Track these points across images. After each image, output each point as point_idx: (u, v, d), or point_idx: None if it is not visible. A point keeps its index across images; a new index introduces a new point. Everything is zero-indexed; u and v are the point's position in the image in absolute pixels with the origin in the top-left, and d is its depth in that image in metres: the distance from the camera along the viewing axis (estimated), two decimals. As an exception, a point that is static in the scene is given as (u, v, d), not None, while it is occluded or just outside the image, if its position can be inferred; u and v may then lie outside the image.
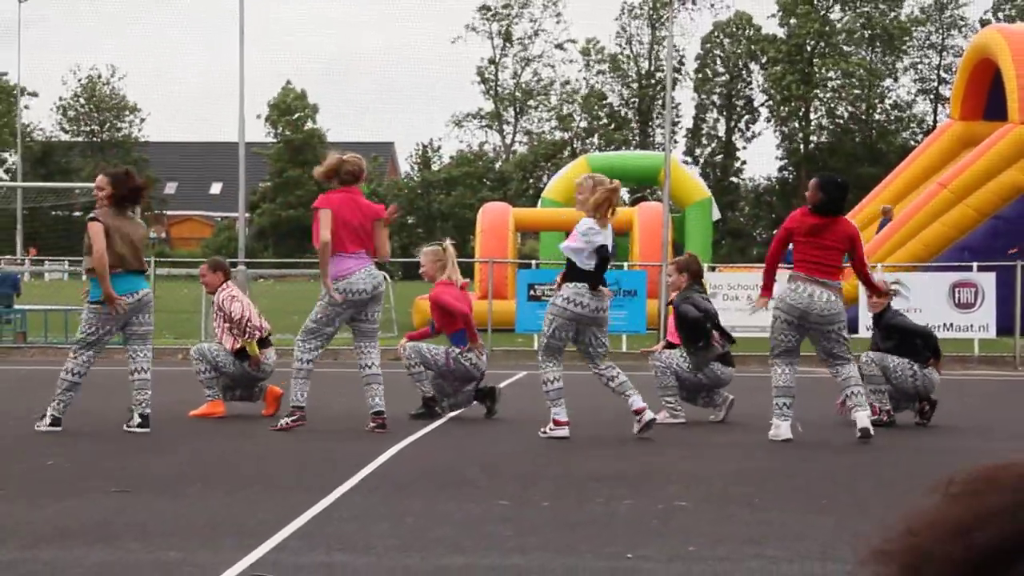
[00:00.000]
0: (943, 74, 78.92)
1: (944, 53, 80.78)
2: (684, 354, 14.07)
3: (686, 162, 62.67)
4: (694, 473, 10.40)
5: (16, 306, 27.33)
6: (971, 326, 22.70)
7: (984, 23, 72.80)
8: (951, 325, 22.85)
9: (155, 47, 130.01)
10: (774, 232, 74.64)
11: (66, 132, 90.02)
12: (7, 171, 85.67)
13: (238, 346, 14.41)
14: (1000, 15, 74.09)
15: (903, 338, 13.81)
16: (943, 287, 22.97)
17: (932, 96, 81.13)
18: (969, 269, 23.28)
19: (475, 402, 14.26)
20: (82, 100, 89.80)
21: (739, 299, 22.54)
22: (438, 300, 14.37)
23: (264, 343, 14.69)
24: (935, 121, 74.31)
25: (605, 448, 11.79)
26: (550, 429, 12.44)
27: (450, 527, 8.12)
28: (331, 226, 12.41)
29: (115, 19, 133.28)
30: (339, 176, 12.84)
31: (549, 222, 32.57)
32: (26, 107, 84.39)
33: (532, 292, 23.32)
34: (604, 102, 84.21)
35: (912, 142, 68.77)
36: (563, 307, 12.52)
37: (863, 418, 12.15)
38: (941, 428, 13.25)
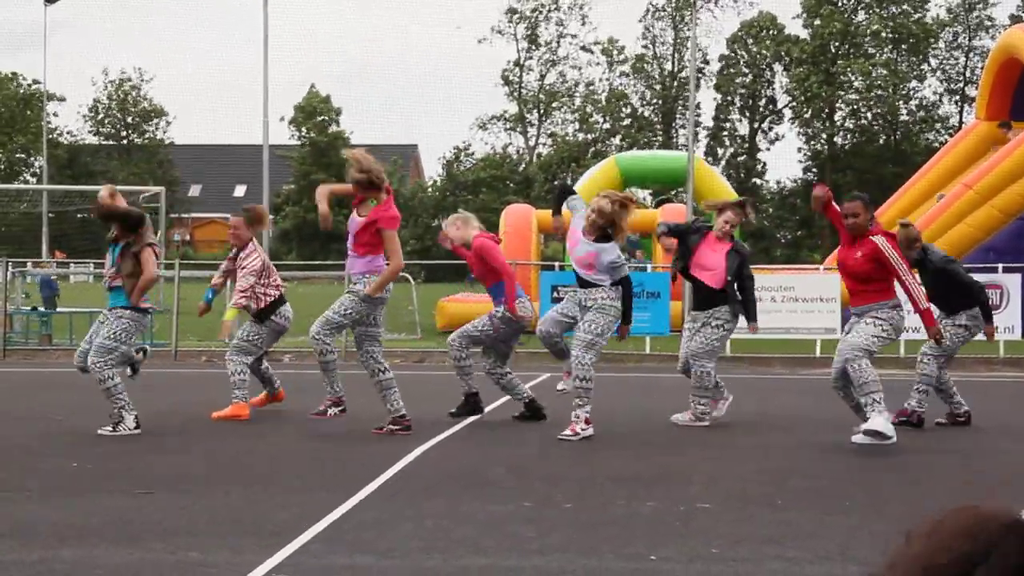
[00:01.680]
0: (969, 74, 78.62)
1: (971, 54, 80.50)
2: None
3: (708, 162, 62.47)
4: (714, 474, 10.40)
5: (40, 309, 27.44)
6: (996, 328, 22.60)
7: (1015, 19, 72.51)
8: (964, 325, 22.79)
9: (181, 51, 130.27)
10: (799, 232, 74.65)
11: (94, 135, 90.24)
12: (33, 174, 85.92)
13: (262, 306, 14.49)
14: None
15: (949, 288, 13.77)
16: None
17: (958, 97, 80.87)
18: (995, 271, 23.21)
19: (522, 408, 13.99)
20: (110, 103, 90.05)
21: (763, 300, 22.46)
22: (484, 249, 13.90)
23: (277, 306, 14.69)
24: (961, 121, 74.09)
25: (626, 449, 11.79)
26: (581, 430, 12.42)
27: (472, 528, 8.13)
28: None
29: (141, 23, 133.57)
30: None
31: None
32: (54, 114, 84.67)
33: (555, 294, 23.29)
34: (625, 102, 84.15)
35: (937, 143, 68.59)
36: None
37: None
38: (963, 429, 13.23)
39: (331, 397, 13.89)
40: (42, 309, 27.23)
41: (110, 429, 12.64)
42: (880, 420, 11.56)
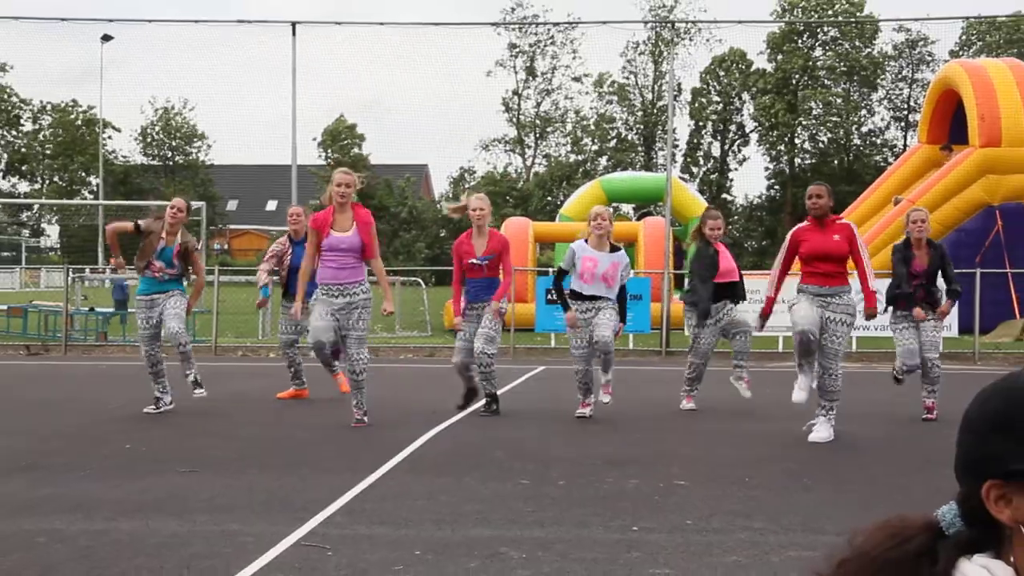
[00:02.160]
0: (912, 103, 78.70)
1: (914, 85, 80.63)
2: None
3: (684, 179, 62.28)
4: (692, 456, 10.40)
5: (97, 309, 27.48)
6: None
7: (953, 55, 72.63)
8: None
9: (219, 81, 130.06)
10: (764, 242, 74.49)
11: (143, 156, 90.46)
12: (90, 192, 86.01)
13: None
14: (963, 53, 73.80)
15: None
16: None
17: (903, 123, 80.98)
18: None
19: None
20: (157, 129, 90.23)
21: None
22: (506, 246, 13.17)
23: None
24: (905, 145, 74.11)
25: (613, 434, 11.79)
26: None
27: (477, 503, 8.15)
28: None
29: (186, 57, 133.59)
30: None
31: (565, 235, 32.52)
32: (109, 137, 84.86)
33: (549, 296, 23.28)
34: (612, 125, 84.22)
35: (885, 163, 68.56)
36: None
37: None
38: (913, 417, 13.20)
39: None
40: (99, 309, 27.24)
41: (203, 390, 13.39)
42: None
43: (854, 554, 1.72)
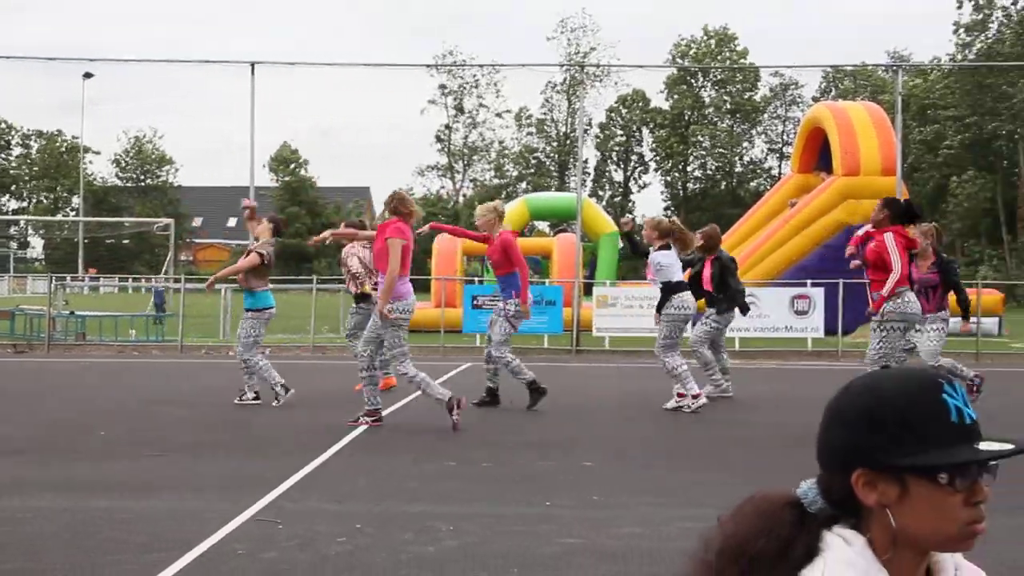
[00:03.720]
0: (786, 138, 79.63)
1: (787, 122, 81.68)
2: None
3: (593, 201, 62.25)
4: (601, 440, 10.43)
5: (77, 312, 27.19)
6: (806, 328, 23.02)
7: (816, 99, 73.68)
8: (791, 327, 23.25)
9: (186, 113, 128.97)
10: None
11: (118, 179, 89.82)
12: (72, 209, 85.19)
13: (359, 291, 14.38)
14: (827, 96, 74.87)
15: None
16: (785, 298, 23.32)
17: (778, 154, 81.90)
18: (805, 285, 23.55)
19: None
20: (131, 154, 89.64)
21: (632, 307, 22.70)
22: (509, 244, 12.65)
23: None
24: (780, 173, 74.95)
25: (532, 422, 11.80)
26: (692, 400, 12.40)
27: (412, 481, 8.13)
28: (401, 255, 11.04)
29: (156, 91, 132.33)
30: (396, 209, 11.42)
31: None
32: (90, 161, 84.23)
33: (475, 302, 23.29)
34: (531, 154, 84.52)
35: (763, 189, 69.28)
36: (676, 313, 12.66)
37: None
38: (793, 407, 13.31)
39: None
40: (79, 313, 26.92)
41: (283, 395, 12.93)
42: None
43: (729, 543, 1.72)
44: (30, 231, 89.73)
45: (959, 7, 62.64)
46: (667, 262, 12.69)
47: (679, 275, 12.84)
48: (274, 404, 12.77)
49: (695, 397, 12.39)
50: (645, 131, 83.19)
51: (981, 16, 62.39)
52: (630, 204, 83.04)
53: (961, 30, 62.90)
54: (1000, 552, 5.61)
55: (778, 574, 1.66)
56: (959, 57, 62.77)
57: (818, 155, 31.71)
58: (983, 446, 1.61)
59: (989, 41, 61.50)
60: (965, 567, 1.75)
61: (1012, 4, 61.81)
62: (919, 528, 1.64)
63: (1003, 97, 58.67)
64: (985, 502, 1.62)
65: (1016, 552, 5.98)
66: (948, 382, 1.64)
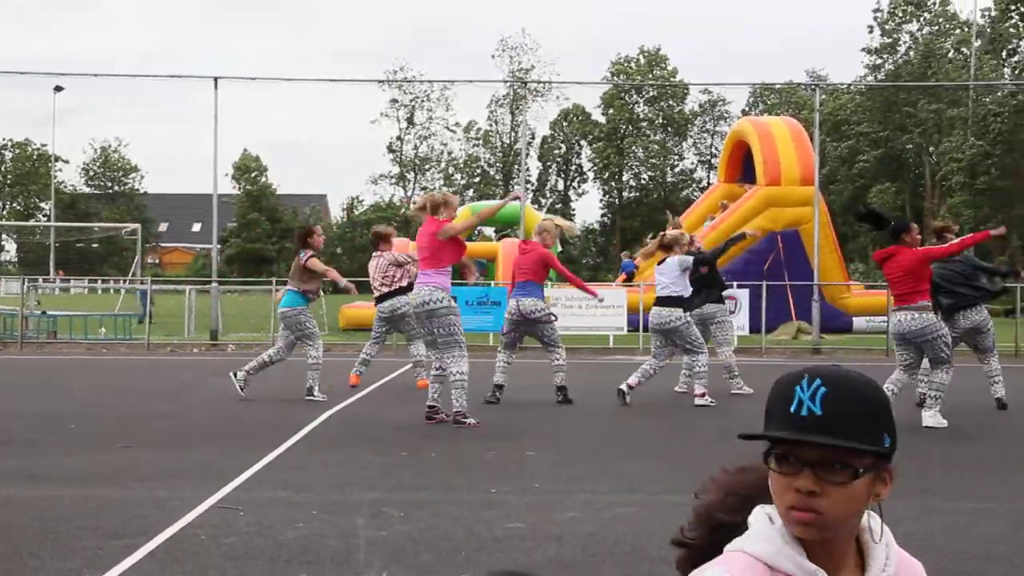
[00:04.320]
0: (713, 150, 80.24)
1: (715, 136, 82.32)
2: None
3: (534, 208, 62.37)
4: (543, 431, 10.45)
5: (49, 312, 26.94)
6: (738, 327, 23.19)
7: (744, 114, 74.32)
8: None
9: (152, 122, 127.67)
10: (598, 259, 75.22)
11: (87, 186, 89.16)
12: (44, 215, 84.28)
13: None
14: (754, 112, 75.55)
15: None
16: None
17: (707, 165, 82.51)
18: (731, 287, 23.69)
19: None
20: (98, 162, 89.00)
21: (572, 307, 22.74)
22: (549, 259, 12.74)
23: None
24: (708, 182, 75.54)
25: (480, 415, 11.78)
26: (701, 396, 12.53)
27: (365, 471, 8.10)
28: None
29: (123, 102, 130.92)
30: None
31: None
32: (59, 170, 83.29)
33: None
34: (477, 164, 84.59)
35: (692, 197, 69.76)
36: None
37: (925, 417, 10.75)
38: (727, 399, 13.37)
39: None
40: (51, 312, 26.65)
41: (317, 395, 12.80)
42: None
43: (700, 511, 1.77)
44: (3, 235, 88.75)
45: (870, 32, 64.09)
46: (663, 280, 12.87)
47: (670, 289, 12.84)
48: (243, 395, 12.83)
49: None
50: (584, 143, 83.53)
51: (890, 40, 63.63)
52: (571, 212, 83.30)
53: (872, 54, 64.17)
54: (942, 545, 5.68)
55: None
56: (870, 78, 63.71)
57: (743, 166, 31.97)
58: (799, 435, 1.60)
59: (897, 63, 62.58)
60: (902, 559, 1.73)
61: (918, 31, 63.08)
62: (775, 504, 1.66)
63: (910, 114, 59.68)
64: (804, 491, 1.60)
65: (960, 544, 6.05)
66: (813, 378, 1.63)
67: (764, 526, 1.67)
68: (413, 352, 13.98)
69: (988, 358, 12.30)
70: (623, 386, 12.50)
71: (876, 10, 64.39)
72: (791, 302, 26.82)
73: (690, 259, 12.94)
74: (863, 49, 64.76)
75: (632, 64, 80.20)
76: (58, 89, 62.33)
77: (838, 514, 1.61)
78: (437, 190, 12.49)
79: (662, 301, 12.79)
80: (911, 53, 62.25)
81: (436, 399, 10.87)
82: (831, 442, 1.58)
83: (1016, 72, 58.16)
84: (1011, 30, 57.62)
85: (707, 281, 14.19)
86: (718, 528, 1.74)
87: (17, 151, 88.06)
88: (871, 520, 1.70)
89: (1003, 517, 6.66)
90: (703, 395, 12.57)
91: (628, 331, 23.65)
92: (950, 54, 61.33)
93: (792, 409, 1.62)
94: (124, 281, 41.16)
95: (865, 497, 1.64)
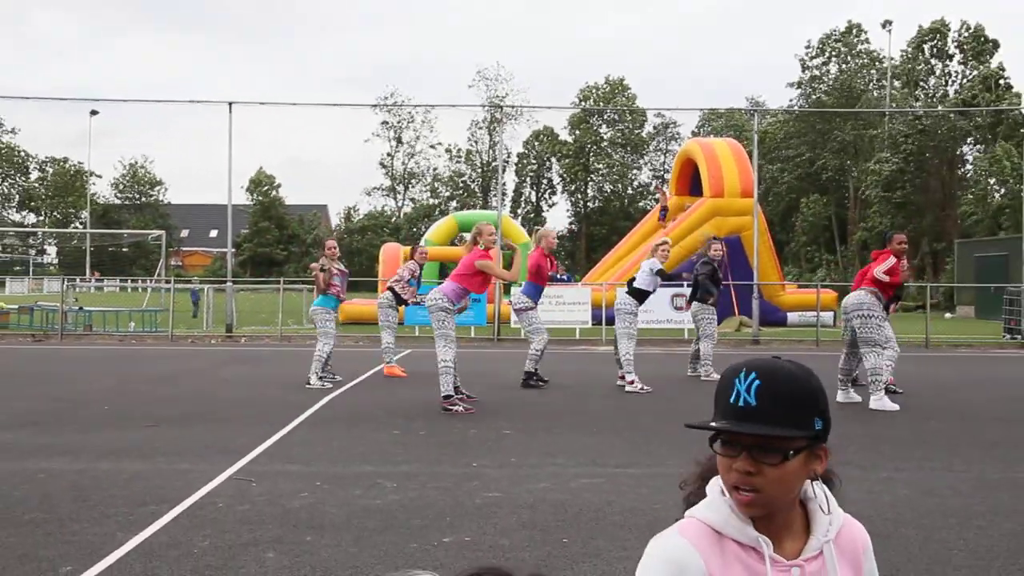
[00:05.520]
0: (667, 167, 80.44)
1: (667, 155, 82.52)
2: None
3: (511, 217, 62.46)
4: (516, 412, 10.44)
5: (85, 308, 26.79)
6: (682, 320, 23.24)
7: (694, 135, 74.51)
8: (670, 320, 23.53)
9: (175, 140, 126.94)
10: (566, 262, 75.21)
11: (118, 198, 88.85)
12: (80, 223, 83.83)
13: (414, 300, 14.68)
14: (701, 133, 75.76)
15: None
16: (666, 297, 23.52)
17: (660, 180, 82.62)
18: (681, 285, 23.76)
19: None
20: (128, 177, 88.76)
21: (544, 303, 22.66)
22: (539, 262, 13.09)
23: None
24: (662, 195, 75.73)
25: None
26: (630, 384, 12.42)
27: (362, 447, 8.10)
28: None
29: (152, 125, 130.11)
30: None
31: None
32: (93, 183, 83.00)
33: (414, 300, 23.18)
34: (459, 178, 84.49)
35: (647, 207, 69.92)
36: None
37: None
38: (678, 384, 13.41)
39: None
40: (87, 308, 26.49)
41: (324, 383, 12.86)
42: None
43: (688, 474, 1.79)
44: (46, 241, 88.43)
45: (803, 69, 64.56)
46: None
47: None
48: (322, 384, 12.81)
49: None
50: (554, 160, 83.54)
51: (813, 75, 64.02)
52: (542, 219, 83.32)
53: (799, 85, 64.64)
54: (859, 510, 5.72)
55: None
56: (797, 105, 64.04)
57: (691, 180, 32.05)
58: (731, 426, 1.62)
59: (821, 92, 62.97)
60: (846, 522, 1.74)
61: (836, 68, 63.48)
62: (722, 481, 1.68)
63: (832, 137, 60.13)
64: (742, 472, 1.61)
65: (873, 508, 6.10)
66: (750, 371, 1.64)
67: (716, 496, 1.69)
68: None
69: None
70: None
71: (807, 47, 64.89)
72: (734, 299, 26.94)
73: (659, 263, 12.97)
74: (791, 83, 65.42)
75: (597, 91, 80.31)
76: (93, 113, 62.03)
77: (774, 491, 1.62)
78: (482, 224, 12.54)
79: (630, 290, 12.86)
80: (836, 85, 62.56)
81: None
82: (760, 431, 1.60)
83: (928, 98, 58.54)
84: (920, 66, 58.09)
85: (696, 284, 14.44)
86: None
87: (56, 167, 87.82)
88: (819, 489, 1.72)
89: (911, 484, 6.72)
90: (631, 382, 12.45)
91: (592, 324, 23.69)
92: (870, 87, 61.64)
93: (731, 400, 1.64)
94: (151, 281, 40.87)
95: (799, 474, 1.65)
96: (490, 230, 11.18)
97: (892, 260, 11.15)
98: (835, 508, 1.72)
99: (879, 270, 11.10)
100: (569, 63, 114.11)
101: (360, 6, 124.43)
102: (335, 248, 13.76)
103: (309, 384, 12.68)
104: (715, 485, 1.70)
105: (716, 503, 1.68)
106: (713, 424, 1.64)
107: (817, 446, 1.67)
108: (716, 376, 13.66)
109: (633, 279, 13.03)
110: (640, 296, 12.89)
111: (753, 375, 1.63)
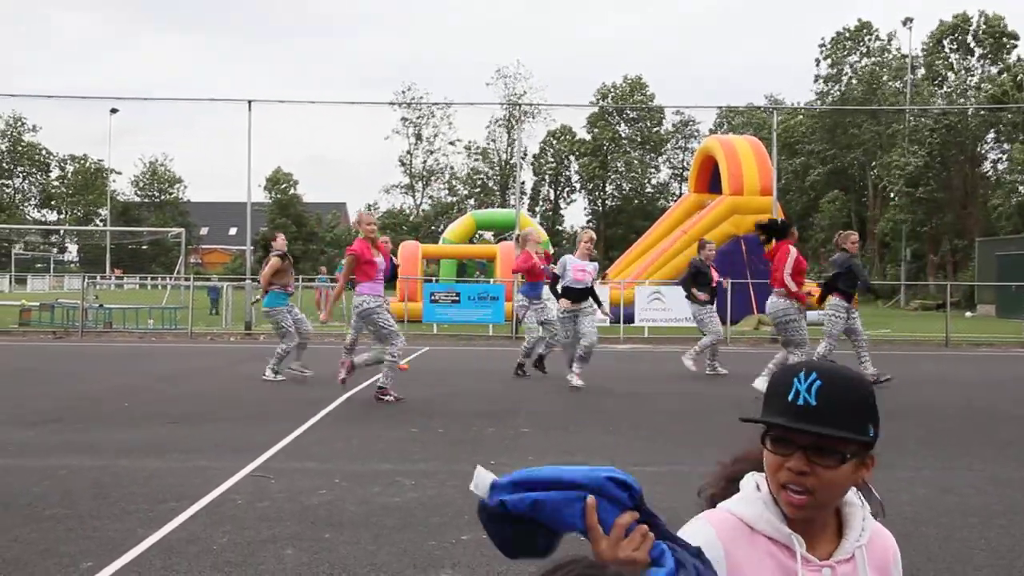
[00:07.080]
0: (685, 164, 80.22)
1: (686, 152, 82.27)
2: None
3: (529, 215, 62.69)
4: (536, 411, 10.46)
5: (105, 305, 26.96)
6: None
7: (711, 132, 74.33)
8: (690, 318, 23.35)
9: (195, 138, 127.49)
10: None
11: (137, 196, 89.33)
12: (100, 220, 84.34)
13: None
14: (720, 131, 75.54)
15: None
16: (683, 294, 23.40)
17: (679, 178, 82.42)
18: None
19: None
20: (148, 175, 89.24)
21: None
22: (528, 263, 13.62)
23: None
24: (680, 193, 75.52)
25: (478, 395, 11.80)
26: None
27: (380, 444, 8.12)
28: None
29: (172, 123, 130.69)
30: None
31: (446, 253, 32.55)
32: (114, 181, 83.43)
33: (433, 297, 23.26)
34: (477, 176, 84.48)
35: (667, 206, 69.77)
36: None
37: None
38: (696, 382, 13.38)
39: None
40: (107, 305, 26.66)
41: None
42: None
43: (719, 472, 1.79)
44: (67, 238, 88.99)
45: (817, 65, 64.39)
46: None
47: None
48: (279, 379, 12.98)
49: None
50: (572, 158, 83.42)
51: (835, 70, 63.79)
52: (560, 218, 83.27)
53: (820, 81, 64.50)
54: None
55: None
56: (819, 102, 63.79)
57: (710, 178, 31.96)
58: (792, 422, 1.60)
59: (842, 90, 62.74)
60: (876, 530, 1.74)
61: (858, 61, 63.18)
62: (769, 479, 1.68)
63: (853, 135, 59.88)
64: (796, 471, 1.60)
65: (893, 507, 6.08)
66: (810, 372, 1.63)
67: (751, 491, 1.70)
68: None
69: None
70: None
71: (821, 45, 64.71)
72: (753, 298, 26.84)
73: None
74: (815, 76, 65.11)
75: (615, 89, 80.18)
76: (113, 111, 62.25)
77: (825, 493, 1.63)
78: (522, 231, 13.08)
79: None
80: (854, 81, 62.29)
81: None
82: (823, 431, 1.60)
83: (949, 95, 58.17)
84: (938, 62, 57.73)
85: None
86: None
87: (77, 165, 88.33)
88: (859, 497, 1.73)
89: (929, 483, 6.70)
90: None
91: (610, 323, 23.63)
92: (890, 82, 61.33)
93: (790, 398, 1.63)
94: (170, 278, 41.06)
95: (850, 479, 1.65)
96: (531, 235, 13.48)
97: (794, 253, 11.63)
98: (868, 515, 1.73)
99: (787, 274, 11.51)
100: (569, 63, 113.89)
101: (376, 8, 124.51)
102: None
103: (264, 376, 13.06)
104: (750, 480, 1.71)
105: (751, 498, 1.69)
106: (777, 420, 1.63)
107: (867, 453, 1.68)
108: (690, 364, 13.82)
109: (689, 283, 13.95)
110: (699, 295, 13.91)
111: (814, 375, 1.63)
